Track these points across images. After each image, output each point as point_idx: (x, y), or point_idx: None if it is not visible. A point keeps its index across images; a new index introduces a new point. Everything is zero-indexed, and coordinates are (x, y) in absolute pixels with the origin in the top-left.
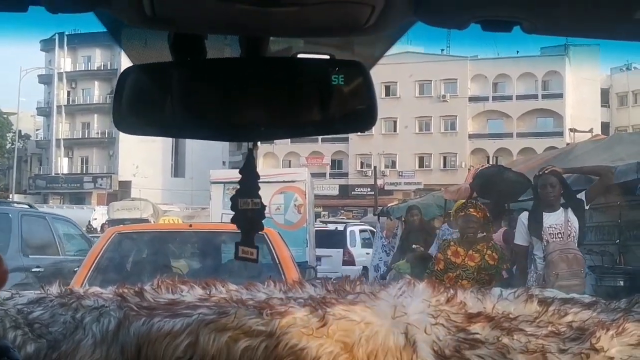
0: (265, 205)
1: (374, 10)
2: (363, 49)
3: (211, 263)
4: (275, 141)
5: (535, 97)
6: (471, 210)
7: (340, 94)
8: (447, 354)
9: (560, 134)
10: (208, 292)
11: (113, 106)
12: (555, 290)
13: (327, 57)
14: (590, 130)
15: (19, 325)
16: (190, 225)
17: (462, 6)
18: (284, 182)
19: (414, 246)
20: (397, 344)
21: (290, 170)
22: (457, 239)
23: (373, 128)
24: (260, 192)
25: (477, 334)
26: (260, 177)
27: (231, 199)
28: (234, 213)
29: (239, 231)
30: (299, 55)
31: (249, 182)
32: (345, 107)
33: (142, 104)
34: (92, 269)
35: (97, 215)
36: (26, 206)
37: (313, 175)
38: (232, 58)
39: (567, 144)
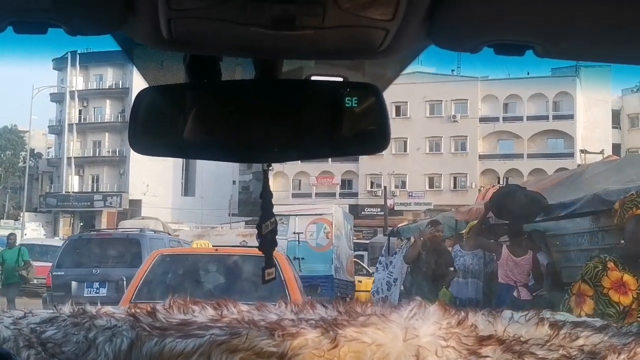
0: (301, 232)
1: (387, 34)
2: (376, 71)
3: (231, 280)
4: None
5: (546, 118)
6: None
7: (353, 116)
8: None
9: (571, 155)
10: (220, 313)
11: (129, 127)
12: (566, 314)
13: (341, 79)
14: (602, 152)
15: (32, 345)
16: (216, 250)
17: (475, 30)
18: (316, 215)
19: (451, 269)
20: None
21: (322, 206)
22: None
23: None
24: (297, 223)
25: (488, 357)
26: (298, 211)
27: (257, 226)
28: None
29: (251, 254)
30: (313, 78)
31: (267, 204)
32: (358, 129)
33: (157, 125)
34: (140, 282)
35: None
36: (152, 232)
37: (322, 195)
38: (246, 80)
39: (578, 165)
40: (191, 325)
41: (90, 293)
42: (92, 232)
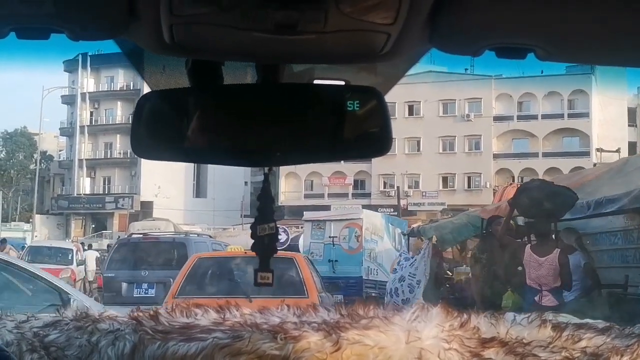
0: (336, 236)
1: (389, 38)
2: (378, 74)
3: (252, 277)
4: None
5: (561, 116)
6: None
7: (355, 119)
8: None
9: (587, 153)
10: (222, 316)
11: (132, 131)
12: (569, 316)
13: (343, 83)
14: (618, 150)
15: (35, 349)
16: (245, 252)
17: (476, 34)
18: (347, 219)
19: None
20: None
21: (353, 211)
22: None
23: (396, 148)
24: (333, 228)
25: (491, 359)
26: (334, 217)
27: (251, 227)
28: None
29: (276, 256)
30: (315, 82)
31: (265, 207)
32: (360, 132)
33: (160, 129)
34: (182, 280)
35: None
36: (196, 235)
37: (334, 195)
38: (248, 84)
39: (594, 163)
40: (194, 329)
41: (139, 294)
42: (140, 236)
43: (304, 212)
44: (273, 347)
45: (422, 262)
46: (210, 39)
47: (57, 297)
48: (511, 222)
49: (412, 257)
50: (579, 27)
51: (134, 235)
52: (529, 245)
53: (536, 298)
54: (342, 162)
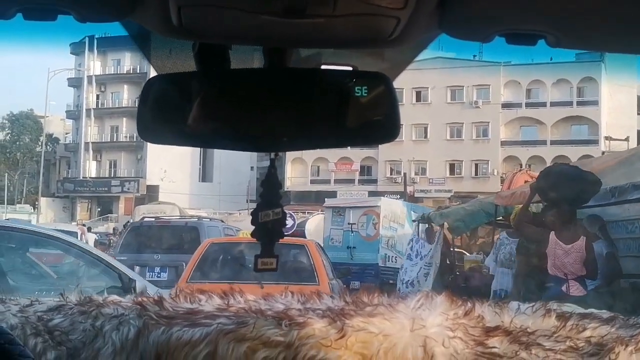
0: (354, 223)
1: (398, 23)
2: (386, 60)
3: None
4: None
5: (570, 104)
6: None
7: (363, 105)
8: None
9: (596, 142)
10: (226, 302)
11: (137, 115)
12: (573, 305)
13: (350, 68)
14: (627, 139)
15: (39, 333)
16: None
17: (486, 19)
18: (367, 207)
19: None
20: (415, 357)
21: (372, 199)
22: None
23: (403, 134)
24: (351, 215)
25: (495, 347)
26: (353, 204)
27: (251, 213)
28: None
29: (288, 242)
30: (322, 67)
31: (270, 193)
32: (368, 118)
33: (166, 113)
34: (195, 265)
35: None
36: (208, 219)
37: (341, 181)
38: (255, 69)
39: (603, 152)
40: (198, 314)
41: (151, 277)
42: (152, 219)
43: (325, 199)
44: (277, 333)
45: (436, 249)
46: (218, 21)
47: (116, 279)
48: (529, 208)
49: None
50: (590, 13)
51: (146, 219)
52: (553, 232)
53: (563, 288)
54: (349, 148)
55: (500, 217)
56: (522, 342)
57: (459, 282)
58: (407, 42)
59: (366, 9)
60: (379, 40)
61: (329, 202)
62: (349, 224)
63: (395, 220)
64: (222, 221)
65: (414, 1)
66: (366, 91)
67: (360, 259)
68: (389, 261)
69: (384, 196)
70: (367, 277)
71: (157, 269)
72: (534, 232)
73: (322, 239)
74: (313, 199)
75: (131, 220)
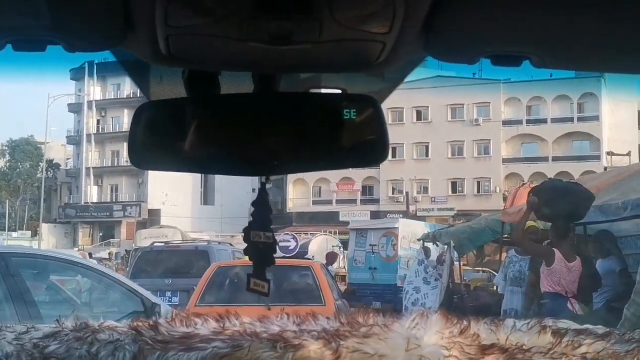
0: (375, 244)
1: (384, 47)
2: (374, 83)
3: (277, 286)
4: None
5: (570, 119)
6: None
7: (352, 127)
8: None
9: (597, 157)
10: (222, 325)
11: (128, 142)
12: (569, 321)
13: (339, 91)
14: (628, 153)
15: None
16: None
17: (470, 42)
18: (386, 228)
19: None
20: None
21: (390, 221)
22: None
23: (404, 153)
24: (372, 236)
25: None
26: (374, 225)
27: (243, 230)
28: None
29: (293, 264)
30: (311, 91)
31: (261, 215)
32: (358, 140)
33: (157, 139)
34: (204, 288)
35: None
36: (217, 243)
37: (342, 201)
38: (245, 94)
39: (605, 167)
40: (193, 338)
41: (163, 302)
42: (162, 244)
43: (350, 221)
44: (272, 356)
45: (446, 268)
46: (206, 49)
47: (139, 303)
48: (535, 224)
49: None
50: (573, 34)
51: (156, 244)
52: (557, 249)
53: (569, 306)
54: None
55: (506, 235)
56: None
57: (468, 302)
58: (393, 65)
59: (351, 35)
60: (366, 64)
61: (353, 224)
62: (370, 245)
63: (415, 240)
64: (231, 244)
65: (398, 26)
66: (355, 114)
67: (381, 279)
68: None
69: (387, 216)
70: (387, 297)
71: (169, 294)
72: (536, 248)
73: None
74: (315, 220)
75: (134, 246)
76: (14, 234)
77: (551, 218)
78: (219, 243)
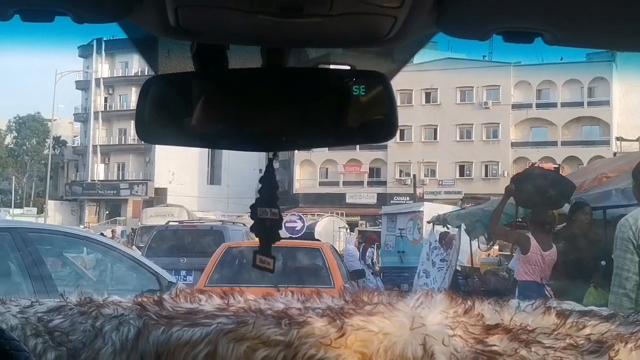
0: (403, 228)
1: (395, 22)
2: (384, 59)
3: (287, 267)
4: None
5: (580, 104)
6: None
7: (361, 104)
8: None
9: (607, 142)
10: (226, 302)
11: (136, 116)
12: (573, 303)
13: (348, 67)
14: (638, 139)
15: (39, 333)
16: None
17: (483, 18)
18: (413, 212)
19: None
20: (415, 355)
21: (416, 204)
22: None
23: (412, 135)
24: (400, 220)
25: (495, 345)
26: (402, 210)
27: (250, 207)
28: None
29: (302, 246)
30: (320, 66)
31: (268, 191)
32: (366, 117)
33: (165, 114)
34: (213, 268)
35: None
36: (232, 223)
37: (350, 183)
38: (253, 68)
39: (614, 153)
40: (198, 314)
41: (178, 281)
42: (177, 224)
43: (382, 207)
44: (277, 332)
45: (455, 251)
46: (215, 22)
47: (154, 281)
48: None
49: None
50: (586, 10)
51: (171, 224)
52: (533, 237)
53: (546, 293)
54: (358, 149)
55: (520, 219)
56: (522, 340)
57: (478, 286)
58: (404, 41)
59: (363, 8)
60: (376, 39)
61: (385, 209)
62: (399, 229)
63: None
64: (244, 225)
65: (410, 0)
66: (364, 90)
67: (408, 262)
68: None
69: (394, 198)
70: (412, 280)
71: (183, 273)
72: (511, 235)
73: (331, 241)
74: (322, 201)
75: (140, 224)
76: (19, 211)
77: (530, 206)
78: (233, 223)
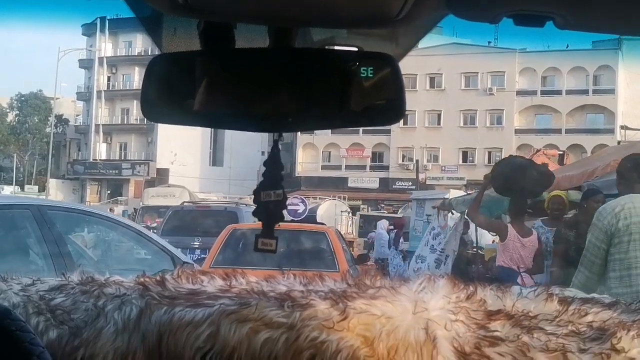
0: (430, 214)
1: (405, 2)
2: (392, 41)
3: (291, 250)
4: (315, 132)
5: (585, 92)
6: None
7: (368, 86)
8: (467, 351)
9: (611, 131)
10: (228, 283)
11: (141, 94)
12: (575, 290)
13: (356, 49)
14: None
15: (41, 312)
16: (279, 225)
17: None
18: (437, 199)
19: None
20: (417, 340)
21: (443, 192)
22: None
23: (416, 120)
24: (426, 206)
25: (497, 331)
26: (430, 196)
27: (254, 192)
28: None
29: (307, 229)
30: (328, 47)
31: (272, 172)
32: (373, 99)
33: (170, 93)
34: (219, 250)
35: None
36: (245, 205)
37: (352, 167)
38: (260, 48)
39: (619, 141)
40: (200, 295)
41: (192, 260)
42: (192, 204)
43: (412, 192)
44: (280, 314)
45: (453, 237)
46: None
47: (169, 262)
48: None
49: (441, 231)
50: None
51: (186, 204)
52: (510, 225)
53: (519, 281)
54: (361, 134)
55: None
56: (524, 326)
57: (483, 273)
58: (413, 23)
59: None
60: (385, 20)
61: (415, 194)
62: (426, 215)
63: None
64: None
65: None
66: (372, 72)
67: None
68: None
69: (396, 183)
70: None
71: (198, 252)
72: (489, 223)
73: (333, 224)
74: (324, 185)
75: (141, 204)
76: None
77: (508, 194)
78: (246, 205)
